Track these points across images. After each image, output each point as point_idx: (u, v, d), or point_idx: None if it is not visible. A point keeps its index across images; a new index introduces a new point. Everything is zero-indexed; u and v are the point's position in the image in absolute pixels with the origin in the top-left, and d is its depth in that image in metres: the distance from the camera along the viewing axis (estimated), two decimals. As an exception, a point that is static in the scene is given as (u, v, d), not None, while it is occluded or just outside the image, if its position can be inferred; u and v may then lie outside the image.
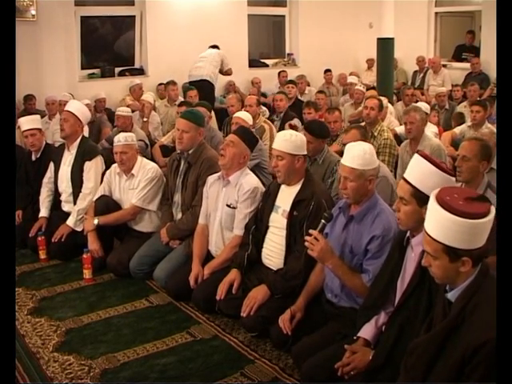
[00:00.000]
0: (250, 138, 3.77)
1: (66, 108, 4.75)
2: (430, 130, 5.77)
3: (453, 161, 4.61)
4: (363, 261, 2.76)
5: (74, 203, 4.53)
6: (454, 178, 2.35)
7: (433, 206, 1.86)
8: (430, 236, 1.87)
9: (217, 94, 8.66)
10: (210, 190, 3.79)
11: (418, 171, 2.32)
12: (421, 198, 2.28)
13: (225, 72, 8.05)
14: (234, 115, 5.29)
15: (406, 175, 2.38)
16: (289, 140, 3.23)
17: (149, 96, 7.10)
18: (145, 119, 6.73)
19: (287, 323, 2.93)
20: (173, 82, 7.73)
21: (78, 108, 4.74)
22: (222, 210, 3.69)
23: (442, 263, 1.86)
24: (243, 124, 4.74)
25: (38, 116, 5.09)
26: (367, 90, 7.68)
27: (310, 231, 2.70)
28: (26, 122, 4.89)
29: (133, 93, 8.02)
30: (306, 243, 2.69)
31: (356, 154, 2.73)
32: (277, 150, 3.26)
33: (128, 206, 4.26)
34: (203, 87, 7.45)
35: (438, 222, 1.84)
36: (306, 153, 3.32)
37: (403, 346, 2.20)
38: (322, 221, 2.71)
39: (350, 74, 9.40)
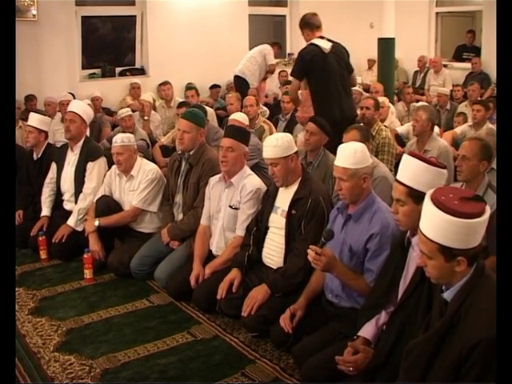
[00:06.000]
0: (242, 135, 3.77)
1: (70, 109, 4.73)
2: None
3: (454, 161, 4.62)
4: (364, 261, 2.77)
5: (76, 203, 4.54)
6: (445, 171, 2.37)
7: (428, 206, 1.87)
8: (426, 236, 1.87)
9: (221, 93, 8.69)
10: (212, 191, 3.79)
11: (410, 170, 2.35)
12: (417, 196, 2.30)
13: (268, 69, 7.76)
14: (230, 117, 5.29)
15: (398, 177, 2.40)
16: (276, 145, 3.24)
17: (147, 95, 7.12)
18: (145, 118, 6.74)
19: (288, 322, 2.94)
20: (164, 83, 7.75)
21: (83, 108, 4.75)
22: (224, 212, 3.69)
23: (437, 263, 1.87)
24: (239, 125, 4.72)
25: (47, 119, 5.07)
26: (365, 90, 7.67)
27: (311, 247, 2.69)
28: (31, 118, 4.91)
29: (133, 94, 8.03)
30: (310, 258, 2.69)
31: (347, 154, 2.76)
32: (269, 159, 3.28)
33: (128, 208, 4.26)
34: (236, 83, 7.44)
35: (434, 222, 1.84)
36: (296, 149, 3.32)
37: (403, 345, 2.20)
38: (322, 239, 2.70)
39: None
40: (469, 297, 1.83)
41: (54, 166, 4.76)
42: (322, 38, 4.93)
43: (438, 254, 1.85)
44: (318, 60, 4.77)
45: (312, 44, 4.85)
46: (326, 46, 4.83)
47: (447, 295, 1.91)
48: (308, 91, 4.88)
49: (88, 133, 5.78)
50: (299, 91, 4.96)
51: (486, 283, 1.84)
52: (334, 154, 4.16)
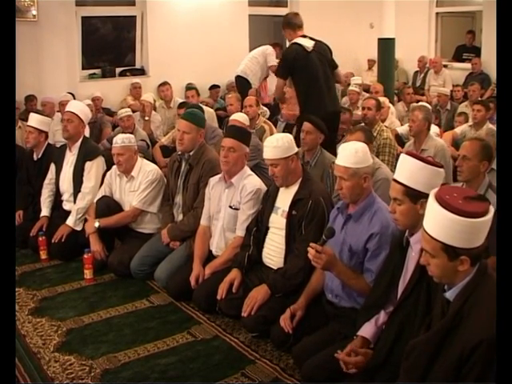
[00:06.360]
0: (244, 135, 3.78)
1: (68, 109, 4.74)
2: (432, 130, 5.76)
3: (454, 161, 4.62)
4: (364, 261, 2.77)
5: (75, 203, 4.54)
6: (442, 170, 2.37)
7: (432, 204, 1.87)
8: (429, 234, 1.87)
9: (220, 94, 8.70)
10: (212, 191, 3.79)
11: (407, 169, 2.36)
12: (413, 195, 2.33)
13: (269, 69, 7.72)
14: (231, 117, 5.30)
15: (395, 176, 2.41)
16: (277, 146, 3.24)
17: (148, 96, 7.12)
18: (146, 118, 6.74)
19: (288, 322, 2.95)
20: (164, 83, 7.77)
21: (81, 108, 4.77)
22: (224, 212, 3.69)
23: (440, 262, 1.87)
24: (241, 126, 4.72)
25: (47, 119, 5.07)
26: (365, 90, 7.67)
27: (312, 245, 2.69)
28: (31, 119, 4.91)
29: (134, 93, 8.03)
30: (310, 256, 2.69)
31: (348, 153, 2.77)
32: (269, 160, 3.28)
33: (129, 209, 4.27)
34: (238, 83, 7.48)
35: (437, 221, 1.85)
36: (296, 150, 3.33)
37: (403, 344, 2.20)
38: (323, 237, 2.71)
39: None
40: (471, 296, 1.83)
41: (52, 166, 4.77)
42: (304, 36, 5.00)
43: (441, 252, 1.85)
44: (301, 58, 4.85)
45: (295, 43, 4.95)
46: (308, 44, 4.90)
47: (449, 295, 1.91)
48: (293, 89, 4.96)
49: (88, 133, 5.81)
50: (285, 89, 5.02)
51: (488, 283, 1.84)
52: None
